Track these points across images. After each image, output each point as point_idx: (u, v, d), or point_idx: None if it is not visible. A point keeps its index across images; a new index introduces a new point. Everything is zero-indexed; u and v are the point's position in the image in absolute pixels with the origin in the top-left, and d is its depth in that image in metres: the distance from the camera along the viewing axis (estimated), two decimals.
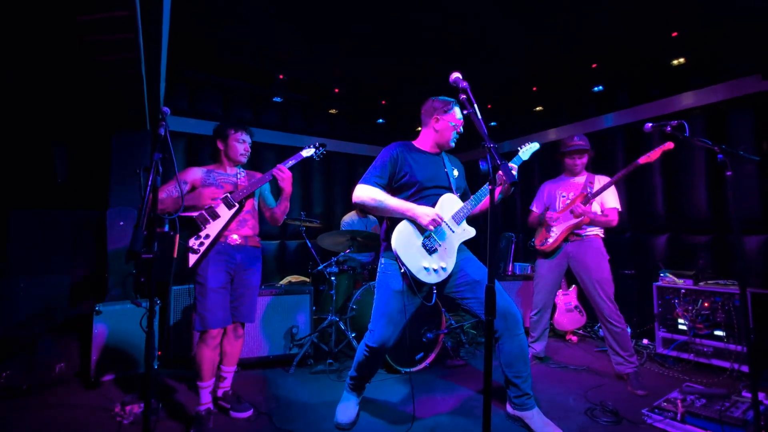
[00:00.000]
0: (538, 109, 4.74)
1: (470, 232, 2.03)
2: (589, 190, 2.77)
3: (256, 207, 2.38)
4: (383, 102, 4.91)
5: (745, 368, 2.61)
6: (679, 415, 1.97)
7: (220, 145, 2.27)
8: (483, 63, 3.84)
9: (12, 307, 2.87)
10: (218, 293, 2.07)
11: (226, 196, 2.14)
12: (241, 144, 2.27)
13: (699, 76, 3.41)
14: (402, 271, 1.87)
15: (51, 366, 2.65)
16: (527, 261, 4.45)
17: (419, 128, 6.06)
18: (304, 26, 3.20)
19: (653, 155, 2.51)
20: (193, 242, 2.00)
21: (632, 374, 2.54)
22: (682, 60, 3.41)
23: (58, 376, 2.66)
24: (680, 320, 2.95)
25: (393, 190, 2.00)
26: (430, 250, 1.90)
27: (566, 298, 3.79)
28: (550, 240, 2.83)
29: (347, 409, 2.07)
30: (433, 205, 1.95)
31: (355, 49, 3.60)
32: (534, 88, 4.39)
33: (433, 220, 1.85)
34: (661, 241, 3.66)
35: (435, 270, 1.88)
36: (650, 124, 2.23)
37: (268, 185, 2.40)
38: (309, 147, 2.42)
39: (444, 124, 2.02)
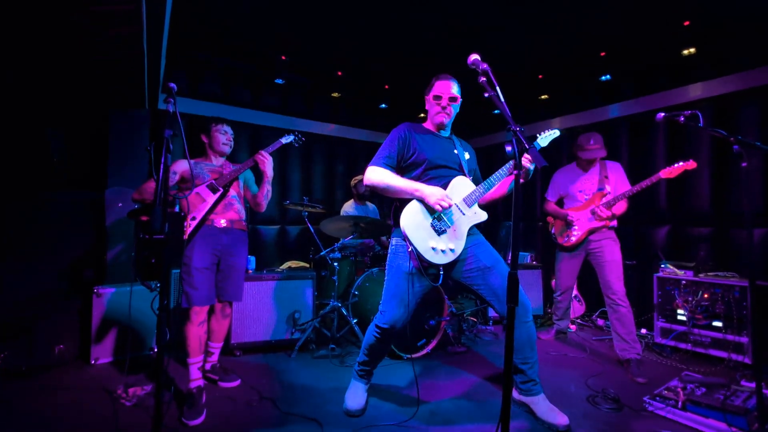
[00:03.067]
0: (543, 97, 4.69)
1: (482, 215, 2.00)
2: (607, 188, 2.91)
3: (242, 192, 2.51)
4: (386, 87, 4.82)
5: (740, 358, 2.66)
6: (680, 403, 2.00)
7: (204, 139, 2.44)
8: (488, 49, 3.76)
9: (9, 289, 2.81)
10: (203, 273, 2.19)
11: (211, 182, 2.29)
12: (223, 135, 2.42)
13: (708, 67, 3.38)
14: (410, 250, 1.87)
15: (50, 348, 2.62)
16: (527, 250, 4.47)
17: (422, 114, 5.99)
18: (307, 7, 3.10)
19: (674, 171, 2.57)
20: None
21: (633, 361, 2.58)
22: (692, 50, 3.37)
23: (57, 358, 2.63)
24: (679, 311, 2.99)
25: (402, 169, 2.01)
26: (439, 231, 1.89)
27: None
28: (573, 238, 2.99)
29: (356, 396, 2.07)
30: (444, 187, 1.94)
31: (358, 31, 3.50)
32: (540, 76, 4.32)
33: (441, 199, 1.83)
34: (662, 233, 3.68)
35: (443, 251, 1.88)
36: (662, 114, 2.20)
37: (252, 174, 2.57)
38: (288, 135, 2.61)
39: (428, 101, 2.06)
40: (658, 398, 2.09)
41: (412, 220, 1.87)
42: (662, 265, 3.19)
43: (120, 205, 3.10)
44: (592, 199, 2.95)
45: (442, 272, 1.91)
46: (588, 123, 4.24)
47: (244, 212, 2.48)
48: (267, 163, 2.35)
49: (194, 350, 2.18)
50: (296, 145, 2.61)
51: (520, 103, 4.96)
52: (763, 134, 3.08)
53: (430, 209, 1.88)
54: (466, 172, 2.05)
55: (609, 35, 3.41)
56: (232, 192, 2.39)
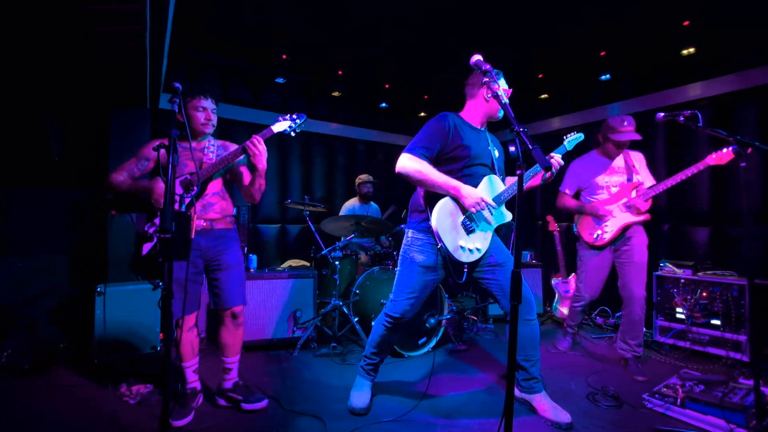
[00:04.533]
0: (543, 96, 4.70)
1: (507, 216, 2.02)
2: (636, 178, 2.67)
3: (225, 187, 2.12)
4: (387, 86, 4.83)
5: (739, 356, 2.68)
6: (679, 400, 2.02)
7: (180, 118, 1.86)
8: (489, 48, 3.78)
9: (10, 286, 2.82)
10: (177, 283, 1.77)
11: (186, 177, 1.92)
12: (201, 112, 1.98)
13: (707, 67, 3.40)
14: (439, 246, 1.86)
15: (52, 346, 2.63)
16: (527, 249, 4.49)
17: (423, 114, 6.00)
18: (308, 6, 3.11)
19: (724, 158, 2.30)
20: (148, 228, 1.85)
21: (632, 360, 2.60)
22: (692, 50, 3.39)
23: (59, 356, 2.64)
24: (678, 309, 3.01)
25: (439, 162, 1.93)
26: (468, 230, 1.90)
27: (566, 286, 3.85)
28: (607, 235, 2.66)
29: (362, 395, 2.08)
30: (476, 184, 1.93)
31: (359, 31, 3.51)
32: (540, 75, 4.34)
33: (478, 203, 1.83)
34: (662, 232, 3.70)
35: (470, 250, 1.90)
36: (662, 114, 2.22)
37: (246, 158, 2.03)
38: (282, 119, 2.01)
39: (487, 92, 1.92)
40: (657, 395, 2.11)
41: (444, 217, 1.86)
42: (661, 264, 3.21)
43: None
44: (624, 191, 2.67)
45: (466, 269, 1.92)
46: (588, 122, 4.25)
47: (232, 208, 2.12)
48: (260, 156, 1.90)
49: (187, 354, 2.02)
50: (292, 134, 2.03)
51: (520, 102, 4.97)
52: (762, 133, 3.10)
53: (463, 207, 1.89)
54: (496, 169, 2.05)
55: (609, 35, 3.43)
56: (214, 189, 2.01)
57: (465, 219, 1.90)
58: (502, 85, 1.98)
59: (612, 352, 2.82)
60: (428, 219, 1.88)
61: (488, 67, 1.42)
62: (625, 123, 2.62)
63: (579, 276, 2.88)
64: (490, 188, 1.97)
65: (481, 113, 2.04)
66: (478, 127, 2.05)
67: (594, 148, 2.87)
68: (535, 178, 1.99)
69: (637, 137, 2.61)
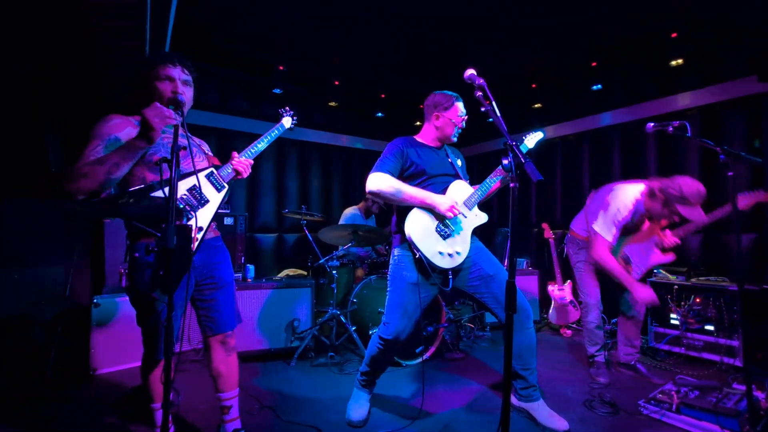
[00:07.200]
0: (536, 106, 4.79)
1: (482, 217, 2.05)
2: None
3: None
4: (382, 96, 4.89)
5: (732, 361, 2.71)
6: (674, 406, 2.04)
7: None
8: (483, 59, 3.86)
9: (6, 299, 2.80)
10: (161, 320, 1.50)
11: (212, 171, 1.50)
12: (167, 83, 1.47)
13: (696, 77, 3.48)
14: (417, 257, 1.88)
15: (49, 358, 2.61)
16: (522, 256, 4.52)
17: (418, 122, 6.09)
18: (305, 18, 3.17)
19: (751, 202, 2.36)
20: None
21: (638, 365, 2.68)
22: (680, 61, 3.48)
23: (56, 369, 2.61)
24: (672, 315, 3.04)
25: (402, 180, 2.00)
26: (444, 236, 1.93)
27: (561, 294, 3.87)
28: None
29: (359, 407, 2.07)
30: (442, 192, 1.98)
31: (355, 42, 3.58)
32: (533, 85, 4.43)
33: (452, 207, 1.87)
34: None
35: (450, 254, 1.91)
36: (651, 124, 2.27)
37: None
38: (286, 115, 2.02)
39: (444, 120, 2.02)
40: (652, 402, 2.13)
41: (418, 226, 1.89)
42: (655, 270, 3.25)
43: None
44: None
45: (451, 276, 1.94)
46: (580, 130, 4.33)
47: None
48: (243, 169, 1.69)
49: (157, 394, 1.63)
50: (292, 128, 1.98)
51: (514, 112, 5.05)
52: (749, 142, 3.18)
53: (434, 214, 1.92)
54: (461, 177, 2.09)
55: (600, 46, 3.51)
56: None
57: (439, 225, 1.93)
58: (458, 111, 2.02)
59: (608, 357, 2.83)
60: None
61: (481, 81, 1.44)
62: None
63: (583, 284, 2.72)
64: (457, 193, 2.01)
65: (433, 136, 2.09)
66: (433, 146, 2.10)
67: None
68: (493, 186, 2.05)
69: None
